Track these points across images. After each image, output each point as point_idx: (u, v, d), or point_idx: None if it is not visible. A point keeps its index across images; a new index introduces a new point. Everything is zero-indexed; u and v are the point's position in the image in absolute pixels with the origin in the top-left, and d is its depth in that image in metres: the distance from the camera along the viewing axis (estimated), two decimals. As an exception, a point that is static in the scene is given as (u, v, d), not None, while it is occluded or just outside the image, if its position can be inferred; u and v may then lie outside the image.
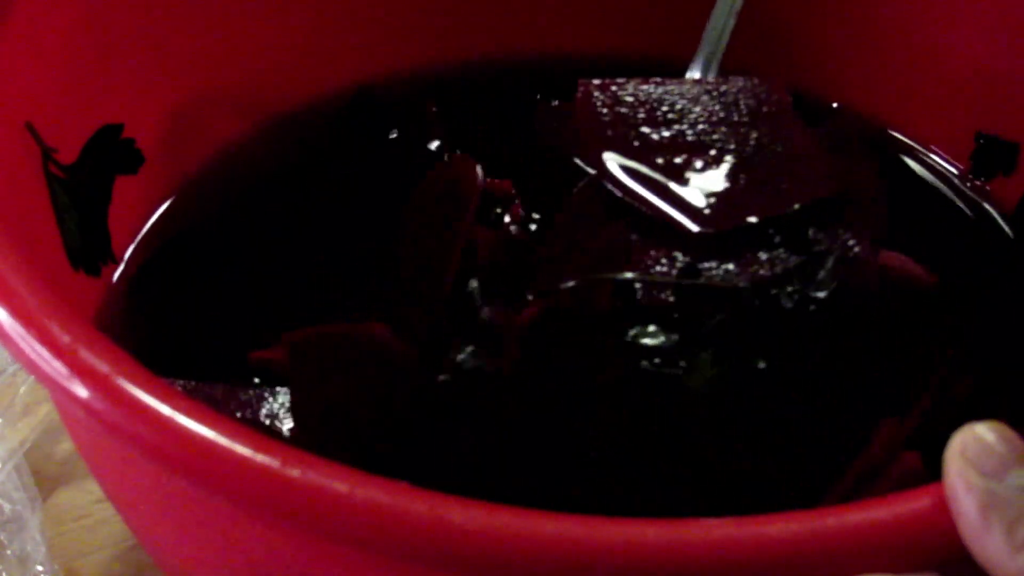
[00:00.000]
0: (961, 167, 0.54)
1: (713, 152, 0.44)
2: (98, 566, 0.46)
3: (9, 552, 0.45)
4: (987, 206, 0.53)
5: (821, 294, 0.39)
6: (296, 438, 0.38)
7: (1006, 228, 0.52)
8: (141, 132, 0.49)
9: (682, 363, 0.37)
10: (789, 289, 0.39)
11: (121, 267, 0.48)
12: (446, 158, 0.51)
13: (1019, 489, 0.25)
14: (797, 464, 0.38)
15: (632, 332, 0.38)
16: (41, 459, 0.50)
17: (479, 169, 0.45)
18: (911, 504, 0.26)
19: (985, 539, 0.25)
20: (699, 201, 0.43)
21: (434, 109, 0.55)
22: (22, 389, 0.51)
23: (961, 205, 0.54)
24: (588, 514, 0.25)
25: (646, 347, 0.38)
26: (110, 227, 0.47)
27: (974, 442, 0.26)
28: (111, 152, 0.48)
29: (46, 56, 0.45)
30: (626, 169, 0.44)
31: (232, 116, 0.55)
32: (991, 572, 0.25)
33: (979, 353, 0.44)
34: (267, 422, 0.39)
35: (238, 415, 0.38)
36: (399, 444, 0.37)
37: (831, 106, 0.58)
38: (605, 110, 0.46)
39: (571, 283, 0.41)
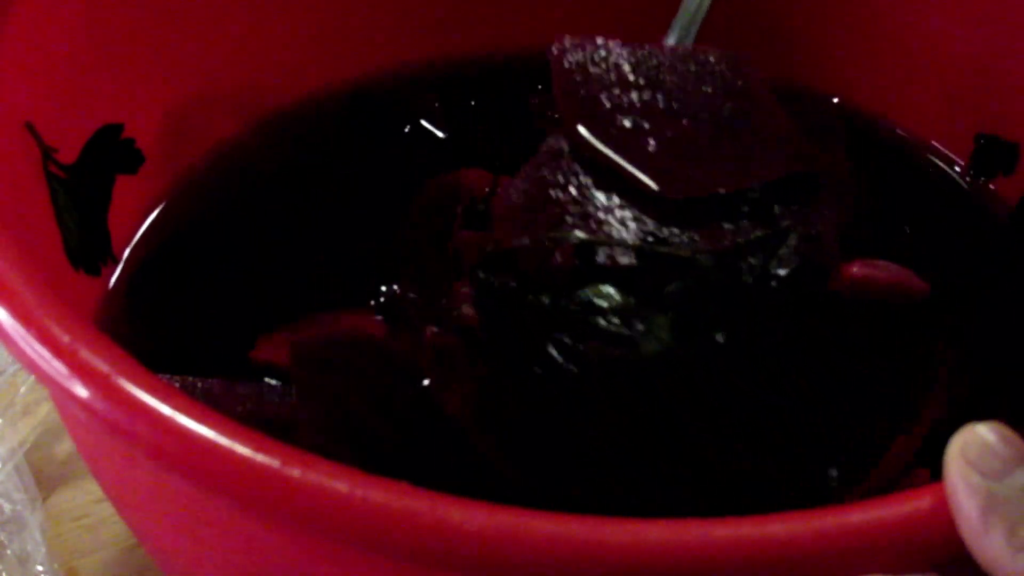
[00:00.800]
0: (962, 164, 0.54)
1: (685, 121, 0.44)
2: (98, 566, 0.46)
3: (9, 552, 0.45)
4: (988, 204, 0.53)
5: (782, 271, 0.39)
6: (298, 438, 0.38)
7: (1007, 226, 0.52)
8: (141, 132, 0.49)
9: (639, 326, 0.37)
10: (752, 261, 0.39)
11: (121, 266, 0.48)
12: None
13: (1020, 490, 0.25)
14: (797, 464, 0.38)
15: (590, 292, 0.38)
16: (41, 459, 0.50)
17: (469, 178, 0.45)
18: (911, 504, 0.26)
19: (986, 540, 0.25)
20: (666, 166, 0.42)
21: (437, 104, 0.55)
22: (22, 389, 0.51)
23: (961, 203, 0.54)
24: (588, 514, 0.25)
25: (603, 308, 0.38)
26: (110, 227, 0.47)
27: (975, 442, 0.26)
28: (111, 152, 0.48)
29: (46, 56, 0.45)
30: (595, 128, 0.44)
31: (231, 116, 0.55)
32: (992, 573, 0.25)
33: (979, 353, 0.44)
34: (266, 415, 0.39)
35: (238, 409, 0.38)
36: (399, 444, 0.37)
37: (831, 101, 0.58)
38: (578, 68, 0.45)
39: (525, 240, 0.41)
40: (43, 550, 0.45)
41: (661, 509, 0.27)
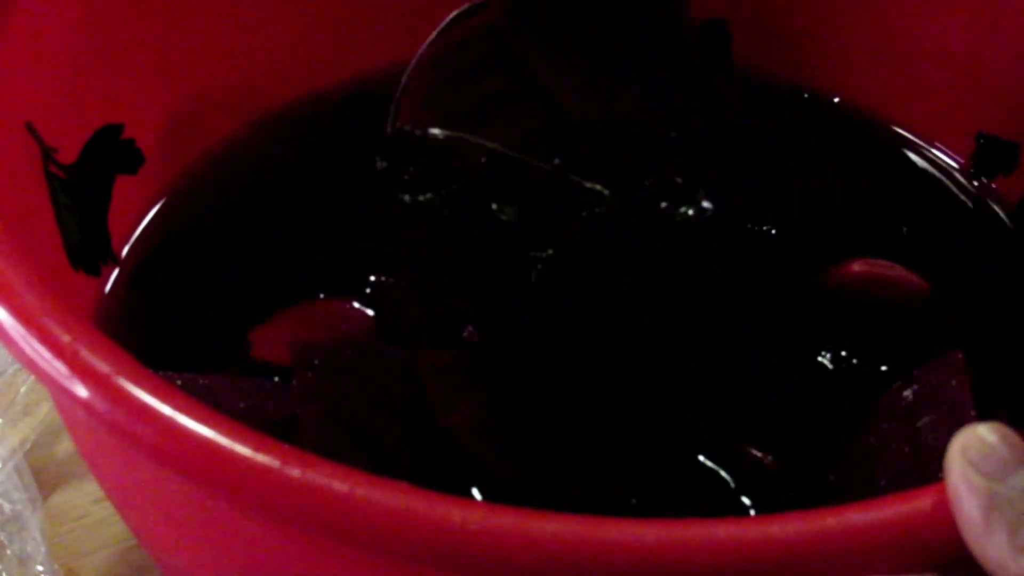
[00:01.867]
0: (962, 163, 0.54)
1: (614, 52, 0.43)
2: (98, 566, 0.46)
3: (9, 552, 0.45)
4: (988, 204, 0.53)
5: (691, 212, 0.39)
6: (299, 438, 0.38)
7: (1007, 226, 0.52)
8: (141, 132, 0.49)
9: (533, 251, 0.37)
10: (663, 204, 0.39)
11: (121, 266, 0.48)
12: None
13: (1022, 490, 0.25)
14: (797, 464, 0.38)
15: (495, 204, 0.38)
16: (41, 459, 0.50)
17: None
18: (911, 504, 0.26)
19: (988, 541, 0.25)
20: (587, 88, 0.42)
21: None
22: (22, 389, 0.51)
23: (962, 202, 0.53)
24: (588, 514, 0.25)
25: (503, 222, 0.37)
26: (110, 227, 0.47)
27: (976, 443, 0.26)
28: (111, 152, 0.48)
29: (46, 56, 0.44)
30: (530, 30, 0.43)
31: (231, 115, 0.55)
32: (993, 574, 0.25)
33: (979, 353, 0.44)
34: (267, 413, 0.39)
35: (240, 405, 0.38)
36: (399, 444, 0.37)
37: (832, 101, 0.58)
38: None
39: (437, 131, 0.40)
40: (43, 550, 0.45)
41: (661, 509, 0.27)
